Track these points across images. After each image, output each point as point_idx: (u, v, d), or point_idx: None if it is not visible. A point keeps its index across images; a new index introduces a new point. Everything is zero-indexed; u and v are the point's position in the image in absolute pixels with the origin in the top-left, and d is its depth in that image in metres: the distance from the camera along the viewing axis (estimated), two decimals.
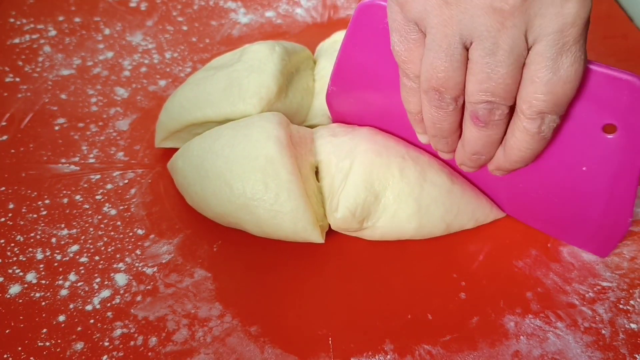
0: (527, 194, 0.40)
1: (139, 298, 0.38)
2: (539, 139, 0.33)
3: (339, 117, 0.45)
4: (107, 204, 0.44)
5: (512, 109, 0.33)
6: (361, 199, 0.39)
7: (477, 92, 0.32)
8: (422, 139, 0.39)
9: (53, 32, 0.58)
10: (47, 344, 0.36)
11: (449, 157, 0.39)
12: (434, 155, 0.42)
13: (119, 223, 0.43)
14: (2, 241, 0.41)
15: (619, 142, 0.34)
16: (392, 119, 0.42)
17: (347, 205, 0.39)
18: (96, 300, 0.38)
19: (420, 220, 0.40)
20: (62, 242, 0.41)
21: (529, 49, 0.30)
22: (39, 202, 0.44)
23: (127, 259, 0.41)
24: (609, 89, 0.33)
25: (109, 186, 0.45)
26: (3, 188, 0.45)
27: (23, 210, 0.43)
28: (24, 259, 0.40)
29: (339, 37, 0.52)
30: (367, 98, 0.42)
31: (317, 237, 0.40)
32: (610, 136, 0.34)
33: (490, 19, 0.29)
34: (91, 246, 0.41)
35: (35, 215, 0.43)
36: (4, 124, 0.50)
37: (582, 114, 0.34)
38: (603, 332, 0.37)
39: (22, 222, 0.42)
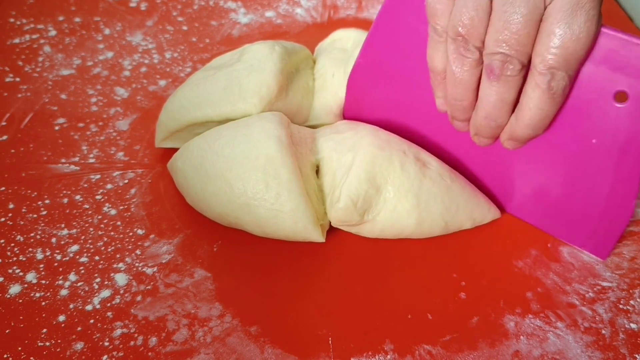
0: (533, 180, 0.40)
1: (139, 298, 0.38)
2: (549, 97, 0.34)
3: (354, 99, 0.45)
4: (107, 204, 0.44)
5: (527, 71, 0.34)
6: (363, 190, 0.39)
7: (494, 42, 0.33)
8: (440, 104, 0.40)
9: (53, 32, 0.58)
10: (47, 344, 0.36)
11: (464, 127, 0.39)
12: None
13: (119, 223, 0.43)
14: (2, 241, 0.41)
15: (630, 111, 0.34)
16: (409, 111, 0.43)
17: (349, 194, 0.39)
18: (96, 300, 0.38)
19: (419, 215, 0.40)
20: (62, 242, 0.41)
21: (546, 6, 0.32)
22: (39, 202, 0.44)
23: (127, 259, 0.41)
24: (622, 54, 0.33)
25: (109, 186, 0.45)
26: (3, 188, 0.45)
27: (23, 210, 0.43)
28: (24, 259, 0.40)
29: (338, 36, 0.52)
30: (390, 82, 0.43)
31: (318, 236, 0.40)
32: (621, 105, 0.34)
33: None
34: (91, 246, 0.41)
35: (35, 215, 0.43)
36: (4, 124, 0.50)
37: (594, 79, 0.34)
38: (603, 332, 0.37)
39: (22, 222, 0.42)
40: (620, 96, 0.34)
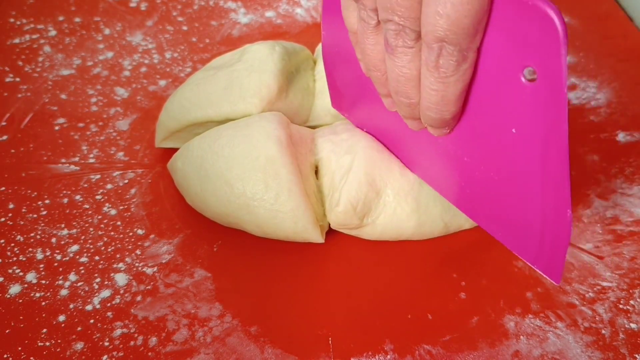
0: (476, 178, 0.34)
1: (139, 298, 0.38)
2: (439, 76, 0.29)
3: (334, 87, 0.43)
4: (107, 204, 0.44)
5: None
6: (363, 194, 0.39)
7: (382, 9, 0.29)
8: (388, 103, 0.35)
9: (53, 32, 0.58)
10: (47, 344, 0.36)
11: (415, 125, 0.34)
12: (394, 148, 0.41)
13: (119, 223, 0.43)
14: (2, 241, 0.41)
15: (543, 92, 0.27)
16: (366, 96, 0.39)
17: (349, 198, 0.39)
18: (96, 300, 0.38)
19: (419, 218, 0.40)
20: (62, 242, 0.41)
21: None
22: (39, 202, 0.44)
23: (127, 259, 0.41)
24: (524, 22, 0.26)
25: (109, 186, 0.45)
26: (3, 188, 0.45)
27: (23, 210, 0.43)
28: (24, 259, 0.40)
29: None
30: (350, 67, 0.39)
31: (318, 237, 0.40)
32: (532, 85, 0.27)
33: None
34: (91, 246, 0.41)
35: (35, 215, 0.43)
36: (4, 124, 0.50)
37: (499, 56, 0.28)
38: (603, 332, 0.37)
39: (22, 222, 0.42)
40: (530, 73, 0.27)
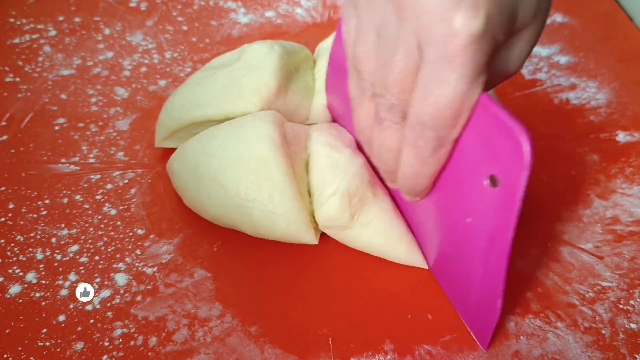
0: (435, 243, 0.38)
1: (139, 298, 0.38)
2: (417, 155, 0.32)
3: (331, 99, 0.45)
4: (107, 204, 0.44)
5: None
6: (362, 190, 0.39)
7: (379, 85, 0.31)
8: (373, 161, 0.38)
9: (53, 32, 0.58)
10: (47, 344, 0.36)
11: (391, 186, 0.38)
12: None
13: (119, 223, 0.43)
14: (2, 241, 0.41)
15: (500, 199, 0.29)
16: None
17: (347, 189, 0.38)
18: (96, 300, 0.38)
19: (409, 243, 0.40)
20: (62, 242, 0.41)
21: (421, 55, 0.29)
22: (39, 202, 0.44)
23: (127, 259, 0.41)
24: (496, 133, 0.28)
25: (109, 186, 0.45)
26: (3, 188, 0.45)
27: (23, 210, 0.43)
28: (24, 259, 0.40)
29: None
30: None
31: (311, 238, 0.40)
32: (493, 189, 0.30)
33: (391, 5, 0.29)
34: (91, 246, 0.41)
35: (35, 215, 0.43)
36: (4, 124, 0.50)
37: (472, 154, 0.31)
38: (603, 332, 0.37)
39: (22, 222, 0.42)
40: (494, 180, 0.30)
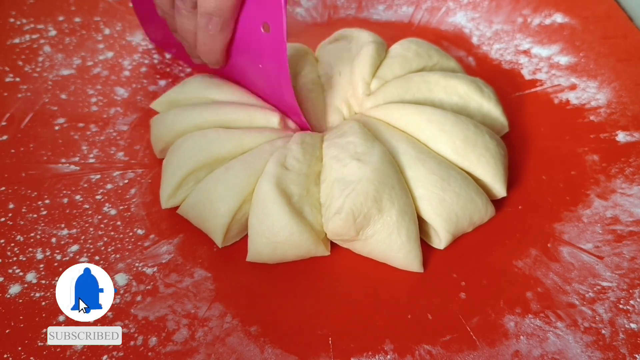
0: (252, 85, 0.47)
1: (139, 298, 0.38)
2: (208, 35, 0.41)
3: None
4: (107, 204, 0.44)
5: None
6: (366, 207, 0.38)
7: None
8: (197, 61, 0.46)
9: (53, 32, 0.58)
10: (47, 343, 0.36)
11: (197, 61, 0.46)
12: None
13: (119, 223, 0.43)
14: (2, 241, 0.41)
15: (273, 39, 0.39)
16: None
17: (352, 208, 0.38)
18: None
19: (408, 253, 0.39)
20: (62, 242, 0.41)
21: None
22: (39, 202, 0.44)
23: (127, 259, 0.41)
24: None
25: (109, 186, 0.45)
26: (3, 188, 0.45)
27: (23, 210, 0.43)
28: (24, 259, 0.40)
29: (339, 35, 0.52)
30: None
31: (323, 251, 0.40)
32: (267, 34, 0.40)
33: None
34: (91, 246, 0.41)
35: (35, 215, 0.43)
36: (4, 124, 0.50)
37: (250, 16, 0.40)
38: (603, 332, 0.37)
39: (22, 222, 0.43)
40: (266, 26, 0.40)
